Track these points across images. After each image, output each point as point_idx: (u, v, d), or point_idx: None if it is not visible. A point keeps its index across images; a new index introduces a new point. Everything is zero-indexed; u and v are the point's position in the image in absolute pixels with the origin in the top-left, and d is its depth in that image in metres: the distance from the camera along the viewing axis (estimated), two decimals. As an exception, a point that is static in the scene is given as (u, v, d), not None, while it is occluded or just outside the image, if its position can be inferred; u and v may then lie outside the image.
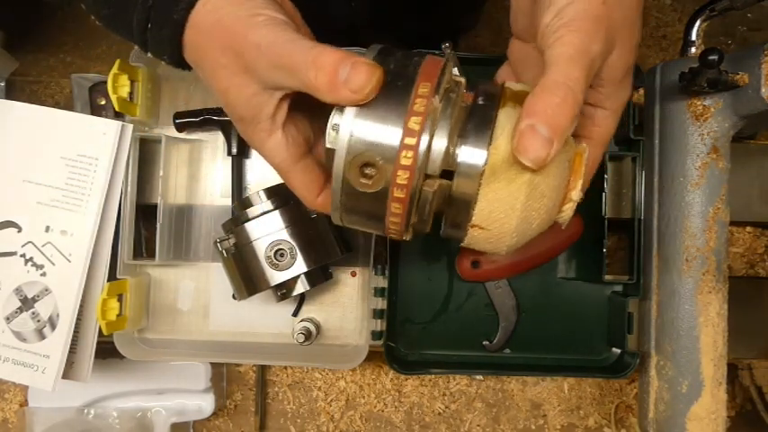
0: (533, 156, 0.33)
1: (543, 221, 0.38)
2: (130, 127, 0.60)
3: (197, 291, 0.66)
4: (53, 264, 0.60)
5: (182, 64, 0.41)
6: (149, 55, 0.42)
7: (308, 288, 0.59)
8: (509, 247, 0.38)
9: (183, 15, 0.38)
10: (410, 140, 0.34)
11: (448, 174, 0.36)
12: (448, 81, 0.37)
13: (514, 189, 0.35)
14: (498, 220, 0.36)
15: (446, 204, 0.37)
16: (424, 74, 0.35)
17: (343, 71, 0.34)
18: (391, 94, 0.35)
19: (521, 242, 0.38)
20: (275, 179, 0.65)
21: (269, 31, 0.36)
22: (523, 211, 0.36)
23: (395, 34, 0.41)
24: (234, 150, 0.64)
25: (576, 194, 0.38)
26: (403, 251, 0.67)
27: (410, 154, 0.34)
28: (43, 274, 0.59)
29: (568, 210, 0.39)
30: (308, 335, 0.63)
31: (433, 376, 0.74)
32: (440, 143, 0.35)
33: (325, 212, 0.41)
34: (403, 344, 0.67)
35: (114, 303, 0.59)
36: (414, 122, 0.34)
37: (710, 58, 0.49)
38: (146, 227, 0.68)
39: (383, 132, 0.34)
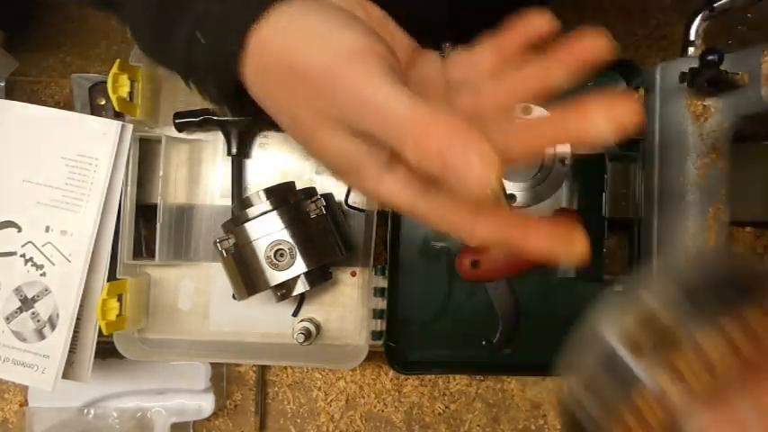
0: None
1: None
2: (130, 127, 0.60)
3: (197, 291, 0.66)
4: (53, 264, 0.60)
5: (229, 95, 0.34)
6: (193, 88, 0.35)
7: (308, 288, 0.59)
8: None
9: (243, 32, 0.31)
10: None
11: None
12: None
13: None
14: None
15: None
16: None
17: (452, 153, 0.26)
18: None
19: None
20: (275, 179, 0.66)
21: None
22: None
23: (473, 34, 0.38)
24: (234, 150, 0.64)
25: None
26: (403, 251, 0.67)
27: None
28: (43, 274, 0.59)
29: None
30: (308, 335, 0.63)
31: (433, 376, 0.74)
32: None
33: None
34: (403, 344, 0.67)
35: (114, 303, 0.59)
36: None
37: (710, 58, 0.49)
38: (146, 227, 0.68)
39: None
